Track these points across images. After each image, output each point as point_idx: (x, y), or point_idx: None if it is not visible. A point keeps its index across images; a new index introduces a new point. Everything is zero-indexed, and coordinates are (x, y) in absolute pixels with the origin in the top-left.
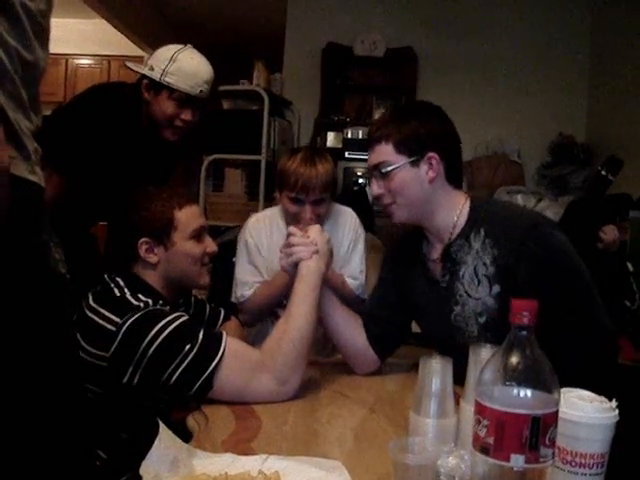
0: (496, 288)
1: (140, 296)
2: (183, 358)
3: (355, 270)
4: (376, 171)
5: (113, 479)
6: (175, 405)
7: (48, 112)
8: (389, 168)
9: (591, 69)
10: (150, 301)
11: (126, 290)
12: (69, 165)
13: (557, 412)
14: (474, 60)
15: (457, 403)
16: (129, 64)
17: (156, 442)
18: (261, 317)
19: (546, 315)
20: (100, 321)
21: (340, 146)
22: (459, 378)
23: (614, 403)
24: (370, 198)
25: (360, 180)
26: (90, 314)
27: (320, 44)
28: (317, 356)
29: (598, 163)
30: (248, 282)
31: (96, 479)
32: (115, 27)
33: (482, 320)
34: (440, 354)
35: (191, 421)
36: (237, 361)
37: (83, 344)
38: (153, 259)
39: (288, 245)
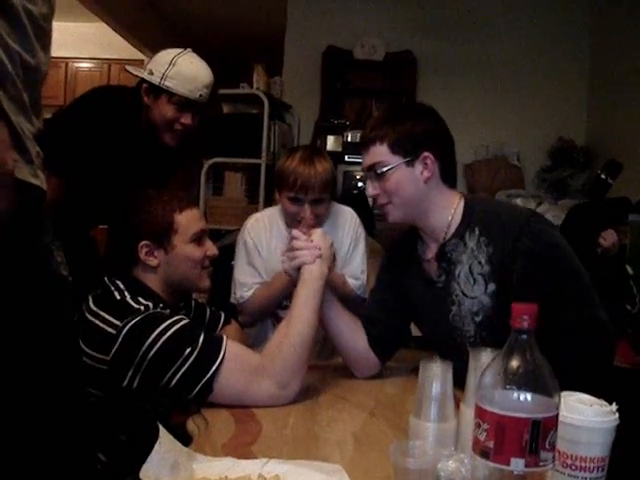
0: (491, 286)
1: (140, 299)
2: (183, 362)
3: (356, 270)
4: (371, 172)
5: None
6: (175, 409)
7: (48, 115)
8: (384, 169)
9: (591, 73)
10: (150, 304)
11: (126, 293)
12: (68, 167)
13: (557, 416)
14: (473, 64)
15: (457, 407)
16: (129, 68)
17: (156, 446)
18: (261, 318)
19: (543, 313)
20: (100, 324)
21: (340, 149)
22: (458, 380)
23: (614, 407)
24: (370, 201)
25: (360, 184)
26: (90, 317)
27: (320, 48)
28: (317, 359)
29: (597, 166)
30: (247, 283)
31: None
32: (115, 30)
33: (478, 319)
34: (439, 355)
35: (191, 425)
36: (237, 365)
37: (83, 347)
38: (153, 262)
39: (291, 249)
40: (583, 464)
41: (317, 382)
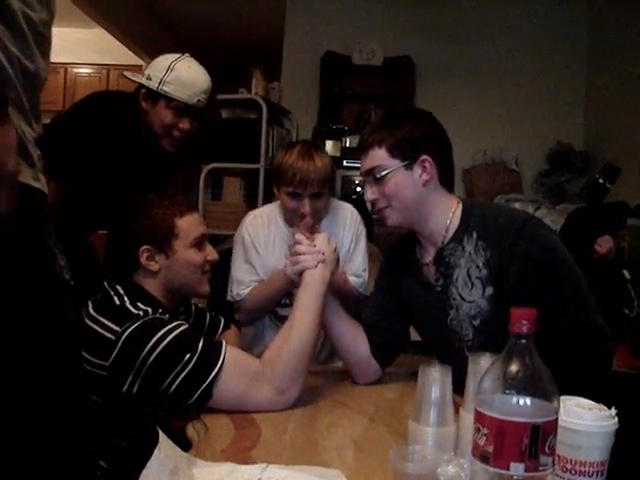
0: (489, 290)
1: (140, 304)
2: (183, 367)
3: (358, 268)
4: (370, 176)
5: None
6: (175, 414)
7: (47, 121)
8: (383, 172)
9: (589, 77)
10: (150, 309)
11: (126, 298)
12: (67, 173)
13: (557, 420)
14: (472, 68)
15: (456, 411)
16: (127, 73)
17: (156, 451)
18: (258, 316)
19: (540, 317)
20: (100, 330)
21: (338, 154)
22: (457, 384)
23: (613, 411)
24: (369, 206)
25: (358, 188)
26: (90, 323)
27: (318, 53)
28: (315, 361)
29: (596, 171)
30: (244, 281)
31: None
32: (114, 36)
33: (476, 323)
34: (438, 360)
35: (191, 430)
36: (237, 370)
37: (83, 353)
38: (154, 267)
39: (294, 253)
40: (583, 468)
41: (317, 387)
